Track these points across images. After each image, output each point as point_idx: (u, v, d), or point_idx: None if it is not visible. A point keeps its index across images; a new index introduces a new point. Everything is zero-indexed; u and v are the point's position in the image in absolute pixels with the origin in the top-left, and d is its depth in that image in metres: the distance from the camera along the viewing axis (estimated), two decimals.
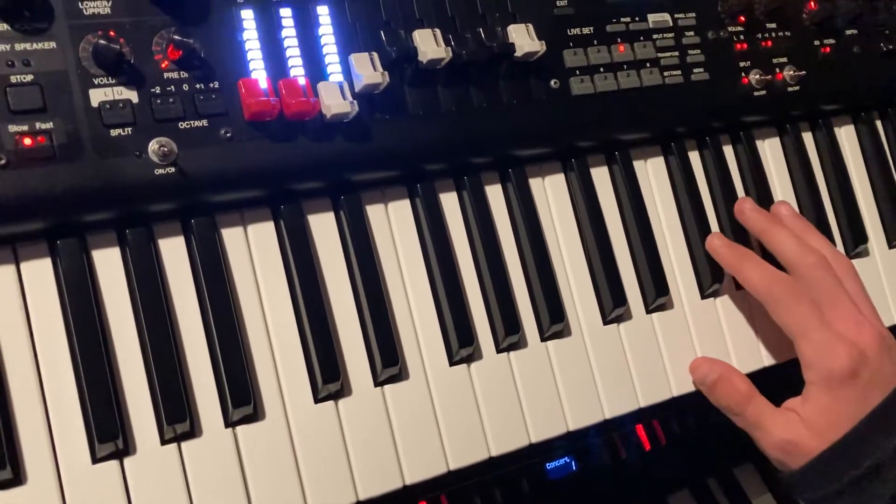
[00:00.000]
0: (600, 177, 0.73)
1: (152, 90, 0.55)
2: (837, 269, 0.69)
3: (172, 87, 0.56)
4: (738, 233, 0.76)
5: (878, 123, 0.89)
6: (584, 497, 0.81)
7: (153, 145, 0.54)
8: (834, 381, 0.64)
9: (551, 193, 0.71)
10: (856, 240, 0.83)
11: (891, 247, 0.86)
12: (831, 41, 0.84)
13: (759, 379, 0.71)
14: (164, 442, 0.55)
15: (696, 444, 0.89)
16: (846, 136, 0.87)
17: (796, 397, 0.67)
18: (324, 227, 0.62)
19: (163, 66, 0.56)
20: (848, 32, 0.85)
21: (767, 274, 0.69)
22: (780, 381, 0.71)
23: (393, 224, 0.65)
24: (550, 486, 0.79)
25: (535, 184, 0.71)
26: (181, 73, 0.56)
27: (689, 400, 0.74)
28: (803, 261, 0.69)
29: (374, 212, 0.64)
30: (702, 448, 0.90)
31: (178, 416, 0.54)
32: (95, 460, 0.53)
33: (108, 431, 0.52)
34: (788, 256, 0.70)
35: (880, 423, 0.63)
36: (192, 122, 0.56)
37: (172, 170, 0.55)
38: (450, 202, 0.67)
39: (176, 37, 0.55)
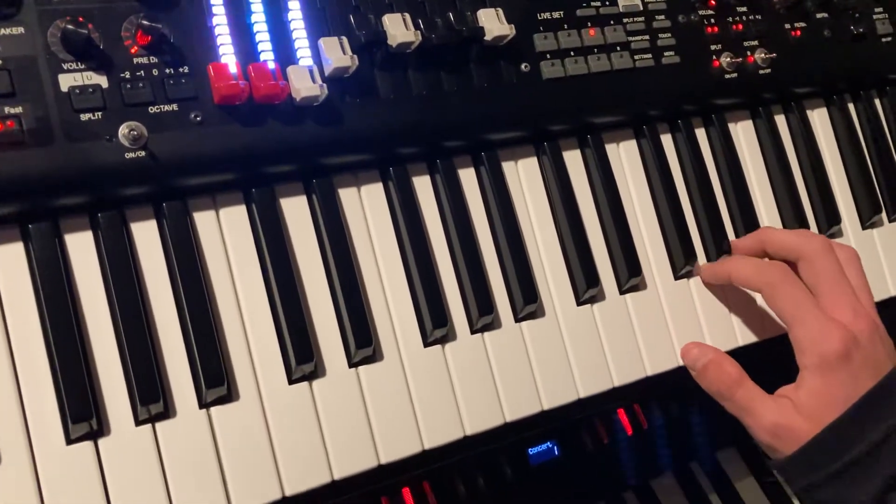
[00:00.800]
0: (573, 160, 0.74)
1: (122, 75, 0.56)
2: (840, 257, 0.70)
3: (142, 71, 0.56)
4: (711, 213, 0.77)
5: (851, 106, 0.90)
6: (567, 482, 0.82)
7: (123, 129, 0.55)
8: (826, 364, 0.64)
9: (524, 176, 0.72)
10: (829, 221, 0.84)
11: (864, 227, 0.87)
12: (802, 24, 0.85)
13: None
14: (138, 423, 0.55)
15: (679, 429, 0.90)
16: (819, 119, 0.88)
17: (790, 385, 0.67)
18: (296, 211, 0.63)
19: (132, 51, 0.56)
20: (819, 16, 0.86)
21: (758, 263, 0.70)
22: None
23: (366, 207, 0.65)
24: (533, 471, 0.80)
25: (508, 167, 0.71)
26: (151, 57, 0.57)
27: (670, 384, 0.75)
28: (808, 246, 0.69)
29: (347, 195, 0.65)
30: (684, 432, 0.91)
31: (151, 397, 0.55)
32: (70, 441, 0.53)
33: (81, 412, 0.53)
34: (792, 245, 0.70)
35: (871, 408, 0.63)
36: (161, 106, 0.56)
37: (143, 153, 0.55)
38: (423, 185, 0.68)
39: (144, 22, 0.55)
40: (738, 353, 0.75)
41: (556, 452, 0.82)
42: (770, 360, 0.73)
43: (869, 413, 0.63)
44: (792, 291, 0.67)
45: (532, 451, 0.81)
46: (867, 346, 0.65)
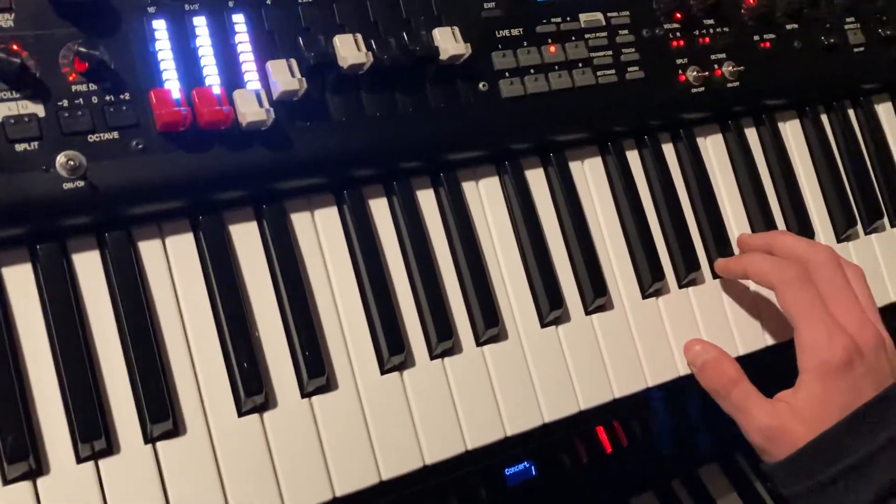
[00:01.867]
0: (536, 179, 0.73)
1: (59, 103, 0.54)
2: (847, 273, 0.70)
3: (80, 99, 0.55)
4: (679, 230, 0.76)
5: (824, 117, 0.89)
6: (546, 502, 0.80)
7: (61, 159, 0.53)
8: (828, 370, 0.64)
9: (485, 197, 0.71)
10: (803, 234, 0.82)
11: (839, 240, 0.85)
12: (771, 36, 0.83)
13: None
14: (79, 460, 0.54)
15: (659, 446, 0.88)
16: (791, 131, 0.86)
17: (788, 389, 0.67)
18: (246, 237, 0.61)
19: (70, 78, 0.55)
20: (788, 27, 0.84)
21: (777, 261, 0.70)
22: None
23: (320, 232, 0.64)
24: (510, 492, 0.78)
25: (468, 188, 0.70)
26: (90, 85, 0.55)
27: (650, 400, 0.74)
28: (815, 257, 0.70)
29: (300, 220, 0.64)
30: (665, 449, 0.89)
31: (93, 434, 0.53)
32: (6, 482, 0.52)
33: (18, 452, 0.51)
34: (801, 252, 0.70)
35: (870, 418, 0.63)
36: (101, 134, 0.55)
37: (82, 183, 0.54)
38: (380, 208, 0.67)
39: (82, 49, 0.54)
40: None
41: (534, 472, 0.80)
42: (762, 372, 0.72)
43: (867, 422, 0.63)
44: (805, 293, 0.67)
45: (509, 471, 0.79)
46: (870, 357, 0.65)
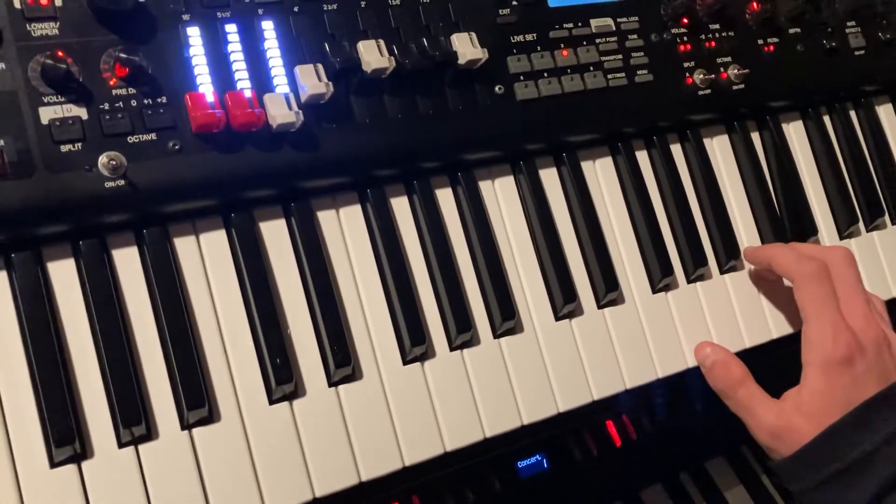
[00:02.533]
0: (549, 178, 0.75)
1: (101, 106, 0.57)
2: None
3: (121, 102, 0.58)
4: (687, 228, 0.78)
5: (827, 119, 0.91)
6: (557, 495, 0.83)
7: (103, 159, 0.56)
8: (830, 365, 0.66)
9: (501, 196, 0.73)
10: (805, 232, 0.85)
11: (842, 237, 0.88)
12: (775, 40, 0.86)
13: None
14: (121, 445, 0.57)
15: (667, 439, 0.90)
16: (795, 132, 0.89)
17: (793, 388, 0.69)
18: (275, 234, 0.64)
19: (111, 83, 0.58)
20: (791, 31, 0.87)
21: (800, 255, 0.73)
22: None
23: (345, 229, 0.67)
24: (522, 485, 0.80)
25: (485, 186, 0.73)
26: (129, 89, 0.58)
27: (659, 393, 0.76)
28: (833, 255, 0.72)
29: (326, 217, 0.66)
30: (673, 443, 0.91)
31: (134, 419, 0.56)
32: (53, 464, 0.55)
33: (65, 437, 0.54)
34: (819, 253, 0.73)
35: (872, 414, 0.64)
36: (140, 135, 0.58)
37: (122, 182, 0.57)
38: (401, 206, 0.69)
39: (122, 55, 0.57)
40: None
41: (546, 465, 0.82)
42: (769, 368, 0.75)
43: (869, 418, 0.64)
44: (821, 289, 0.69)
45: (521, 464, 0.81)
46: (873, 355, 0.67)
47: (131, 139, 0.58)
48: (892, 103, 0.96)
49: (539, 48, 0.73)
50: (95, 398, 0.57)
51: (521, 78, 0.72)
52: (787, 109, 0.89)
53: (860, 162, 0.91)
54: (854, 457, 0.63)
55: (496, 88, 0.71)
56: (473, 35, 0.69)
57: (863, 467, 0.63)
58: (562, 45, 0.74)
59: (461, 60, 0.68)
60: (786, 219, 0.85)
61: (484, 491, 0.78)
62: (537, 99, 0.72)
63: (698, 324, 0.77)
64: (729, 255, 0.80)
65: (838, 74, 0.89)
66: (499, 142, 0.72)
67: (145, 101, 0.59)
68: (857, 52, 0.90)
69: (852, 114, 0.93)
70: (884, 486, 0.62)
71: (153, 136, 0.58)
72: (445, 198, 0.71)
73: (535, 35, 0.74)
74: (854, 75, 0.91)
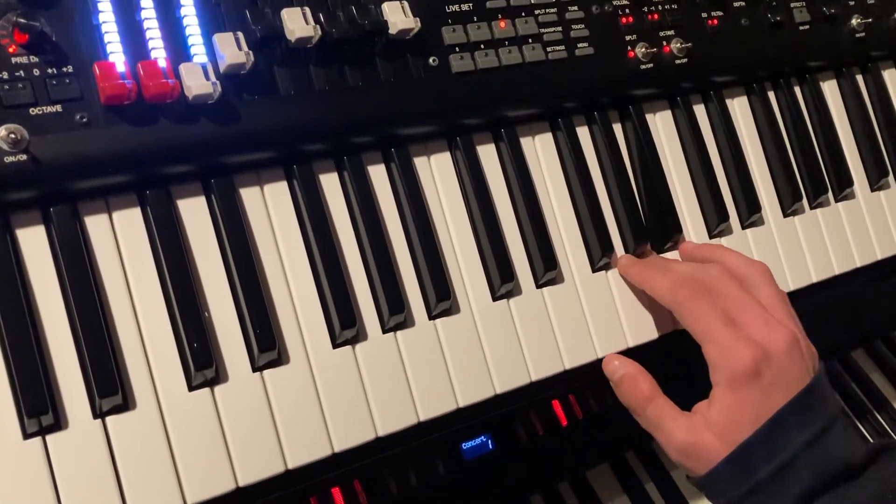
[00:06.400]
0: (487, 154, 0.73)
1: None
2: (750, 277, 0.70)
3: (21, 71, 0.54)
4: (628, 205, 0.77)
5: (771, 94, 0.90)
6: (503, 476, 0.81)
7: (1, 132, 0.53)
8: (736, 381, 0.63)
9: (437, 172, 0.71)
10: (750, 209, 0.84)
11: (786, 215, 0.87)
12: (719, 13, 0.85)
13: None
14: (26, 436, 0.53)
15: (613, 419, 0.89)
16: (739, 108, 0.88)
17: (704, 401, 0.66)
18: (195, 212, 0.61)
19: (10, 50, 0.54)
20: (735, 4, 0.86)
21: (671, 279, 0.70)
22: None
23: (270, 207, 0.64)
24: (468, 466, 0.79)
25: (420, 162, 0.70)
26: (30, 57, 0.55)
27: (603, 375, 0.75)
28: (705, 275, 0.69)
29: (250, 195, 0.63)
30: (619, 422, 0.91)
31: (40, 408, 0.53)
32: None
33: None
34: (693, 273, 0.70)
35: (779, 429, 0.62)
36: (44, 107, 0.55)
37: (24, 157, 0.53)
38: (331, 183, 0.67)
39: (21, 20, 0.53)
40: (662, 344, 0.76)
41: (491, 446, 0.81)
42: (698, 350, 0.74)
43: (777, 434, 0.62)
44: (700, 310, 0.66)
45: (466, 445, 0.80)
46: (781, 360, 0.64)
47: (33, 111, 0.54)
48: (837, 80, 0.95)
49: (475, 19, 0.71)
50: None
51: (457, 49, 0.70)
52: (731, 85, 0.88)
53: (804, 139, 0.90)
54: (769, 471, 0.61)
55: (430, 60, 0.69)
56: (405, 4, 0.67)
57: (778, 482, 0.61)
58: (499, 16, 0.72)
59: (392, 30, 0.66)
60: (730, 196, 0.84)
61: (428, 473, 0.77)
62: (473, 72, 0.70)
63: (639, 302, 0.76)
64: (671, 232, 0.78)
65: (783, 49, 0.88)
66: (433, 116, 0.69)
67: (49, 71, 0.55)
68: (801, 27, 0.89)
69: (797, 90, 0.92)
70: (803, 497, 0.60)
71: (58, 107, 0.55)
72: (378, 174, 0.69)
73: (471, 5, 0.71)
74: (798, 50, 0.90)
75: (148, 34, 0.59)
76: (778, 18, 0.87)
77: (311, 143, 0.65)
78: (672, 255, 0.79)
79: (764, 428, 0.62)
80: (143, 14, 0.59)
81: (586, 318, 0.73)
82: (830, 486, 0.60)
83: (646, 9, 0.80)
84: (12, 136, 0.53)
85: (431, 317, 0.68)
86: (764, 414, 0.63)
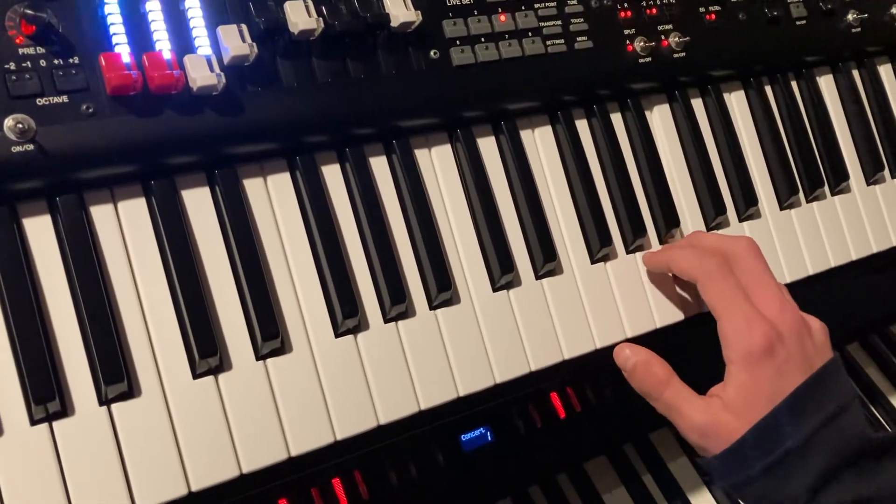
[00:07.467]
0: (487, 146, 0.74)
1: (6, 66, 0.54)
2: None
3: (28, 62, 0.55)
4: (627, 197, 0.78)
5: (768, 89, 0.91)
6: (501, 467, 0.82)
7: (9, 122, 0.53)
8: (751, 358, 0.64)
9: (438, 164, 0.72)
10: (747, 202, 0.85)
11: (782, 208, 0.88)
12: (717, 8, 0.85)
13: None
14: (33, 422, 0.54)
15: (611, 411, 0.90)
16: (736, 102, 0.89)
17: (719, 384, 0.67)
18: (199, 202, 0.62)
19: (17, 41, 0.55)
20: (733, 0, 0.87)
21: (698, 254, 0.71)
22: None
23: (273, 197, 0.65)
24: (466, 458, 0.80)
25: (421, 154, 0.71)
26: (37, 48, 0.55)
27: (601, 366, 0.75)
28: (734, 248, 0.70)
29: (253, 185, 0.64)
30: (617, 415, 0.91)
31: (47, 395, 0.54)
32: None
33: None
34: (719, 247, 0.71)
35: (799, 405, 0.63)
36: (50, 98, 0.55)
37: (31, 147, 0.54)
38: (333, 174, 0.67)
39: (27, 11, 0.54)
40: (661, 334, 0.77)
41: (490, 438, 0.82)
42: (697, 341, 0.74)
43: (804, 406, 0.63)
44: (724, 285, 0.67)
45: (465, 436, 0.81)
46: (793, 341, 0.65)
47: (40, 101, 0.55)
48: (833, 75, 0.96)
49: (476, 12, 0.72)
50: (7, 374, 0.54)
51: (458, 43, 0.70)
52: (728, 79, 0.88)
53: (801, 133, 0.91)
54: (787, 447, 0.62)
55: (431, 53, 0.69)
56: None
57: (797, 458, 0.62)
58: (499, 10, 0.73)
59: (394, 23, 0.66)
60: (727, 189, 0.85)
61: (427, 464, 0.77)
62: (474, 65, 0.71)
63: (637, 294, 0.76)
64: (668, 225, 0.79)
65: (780, 44, 0.89)
66: (434, 108, 0.70)
67: (55, 62, 0.56)
68: (798, 22, 0.90)
69: (794, 84, 0.93)
70: (821, 475, 0.61)
71: (65, 98, 0.56)
72: (379, 166, 0.69)
73: None
74: (795, 45, 0.90)
75: (153, 26, 0.59)
76: (775, 13, 0.88)
77: (313, 134, 0.65)
78: None
79: (783, 405, 0.63)
80: (148, 6, 0.59)
81: (585, 308, 0.74)
82: (852, 463, 0.62)
83: (644, 3, 0.81)
84: (19, 125, 0.53)
85: (432, 307, 0.69)
86: (779, 392, 0.64)
